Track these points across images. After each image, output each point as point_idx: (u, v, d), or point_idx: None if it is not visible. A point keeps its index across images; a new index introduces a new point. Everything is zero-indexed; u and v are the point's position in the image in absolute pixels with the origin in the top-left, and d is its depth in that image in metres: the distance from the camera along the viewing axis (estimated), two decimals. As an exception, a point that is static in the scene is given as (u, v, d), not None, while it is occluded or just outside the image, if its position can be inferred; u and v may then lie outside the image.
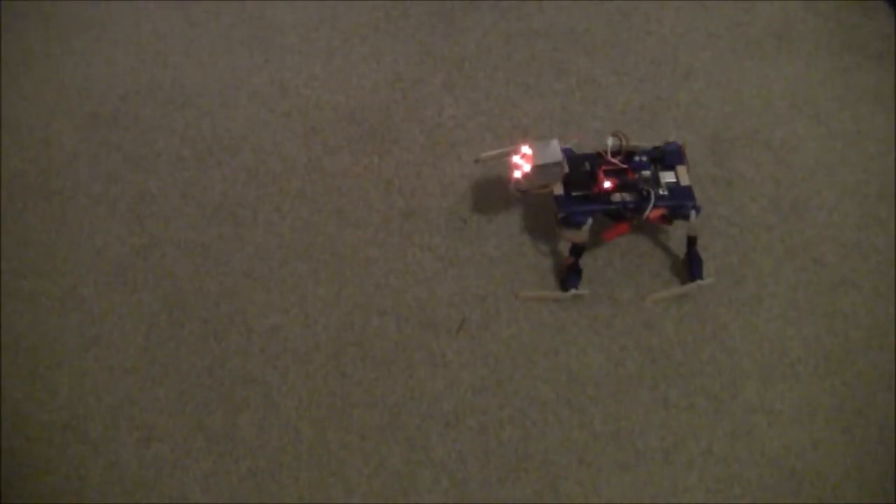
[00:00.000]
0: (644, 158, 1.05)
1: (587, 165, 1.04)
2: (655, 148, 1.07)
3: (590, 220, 1.03)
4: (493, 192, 1.14)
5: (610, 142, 1.04)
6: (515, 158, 1.04)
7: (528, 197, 1.11)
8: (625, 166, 1.03)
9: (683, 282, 1.07)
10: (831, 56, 1.26)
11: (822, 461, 0.98)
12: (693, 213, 1.03)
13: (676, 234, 1.10)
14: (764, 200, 1.14)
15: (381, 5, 1.31)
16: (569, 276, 1.06)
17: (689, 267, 1.06)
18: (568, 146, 1.06)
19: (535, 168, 1.02)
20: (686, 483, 0.96)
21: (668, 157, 1.06)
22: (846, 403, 1.01)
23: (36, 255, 1.10)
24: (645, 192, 1.02)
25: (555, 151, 1.02)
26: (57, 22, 1.30)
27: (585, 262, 1.07)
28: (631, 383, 1.02)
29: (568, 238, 1.05)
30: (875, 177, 1.16)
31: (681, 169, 1.06)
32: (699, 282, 1.05)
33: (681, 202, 1.04)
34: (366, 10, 1.30)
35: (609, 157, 1.04)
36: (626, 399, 1.01)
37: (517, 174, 1.04)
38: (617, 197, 1.03)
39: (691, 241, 1.06)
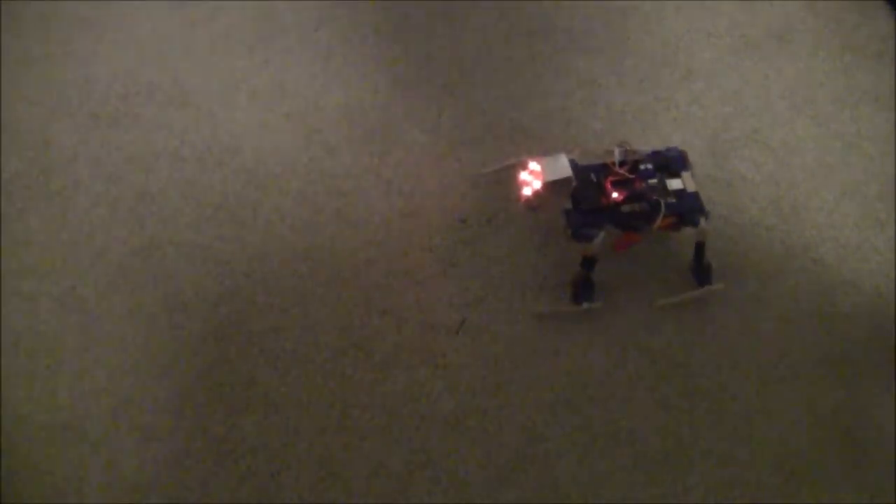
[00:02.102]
0: (650, 167, 1.04)
1: (593, 177, 1.04)
2: (656, 153, 1.06)
3: (602, 234, 1.02)
4: (493, 192, 1.14)
5: (617, 152, 1.03)
6: (523, 175, 1.03)
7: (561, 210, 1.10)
8: (632, 176, 1.03)
9: (688, 283, 1.07)
10: (831, 56, 1.26)
11: (822, 461, 0.98)
12: (703, 219, 1.03)
13: (674, 235, 1.10)
14: (764, 201, 1.14)
15: (381, 5, 1.31)
16: (582, 290, 1.05)
17: (698, 273, 1.06)
18: (571, 157, 1.06)
19: (546, 185, 1.01)
20: (686, 483, 0.96)
21: (672, 163, 1.06)
22: (846, 403, 1.01)
23: (36, 255, 1.10)
24: (654, 202, 1.02)
25: (564, 166, 1.02)
26: (57, 22, 1.30)
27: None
28: (631, 384, 1.02)
29: (581, 252, 1.05)
30: (875, 177, 1.16)
31: (686, 175, 1.05)
32: (709, 287, 1.05)
33: (690, 209, 1.03)
34: (366, 10, 1.30)
35: (616, 167, 1.03)
36: (627, 399, 1.01)
37: (527, 191, 1.03)
38: (627, 208, 1.02)
39: (699, 247, 1.05)
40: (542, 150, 1.11)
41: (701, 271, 1.06)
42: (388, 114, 1.21)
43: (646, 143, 1.11)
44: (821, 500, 0.96)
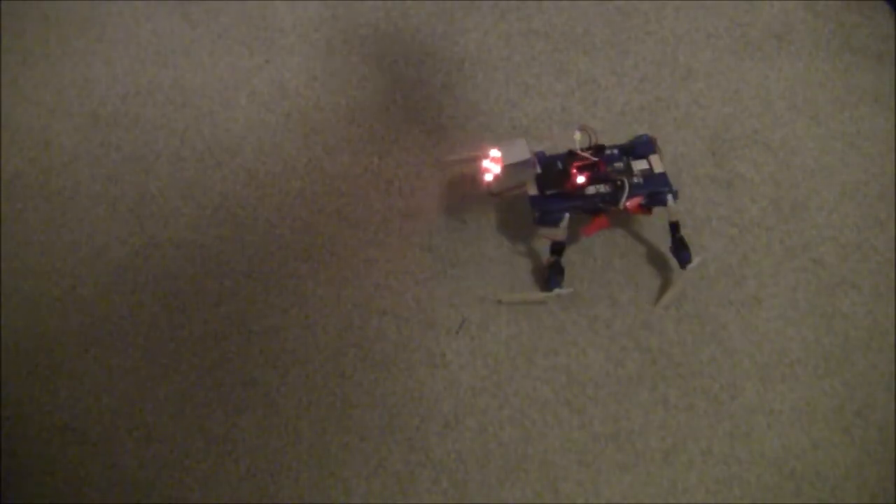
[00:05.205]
0: (615, 151, 1.06)
1: (559, 164, 1.05)
2: (629, 142, 1.07)
3: (567, 217, 1.03)
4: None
5: (578, 136, 1.04)
6: (485, 162, 1.04)
7: (526, 197, 1.10)
8: (595, 159, 1.03)
9: (678, 274, 1.07)
10: (831, 56, 1.26)
11: (822, 461, 0.98)
12: (670, 197, 1.03)
13: (669, 234, 1.10)
14: (764, 201, 1.14)
15: (381, 5, 1.31)
16: (551, 275, 1.05)
17: (676, 254, 1.06)
18: (541, 149, 1.07)
19: (505, 168, 1.02)
20: (686, 483, 0.96)
21: (639, 148, 1.06)
22: (846, 403, 1.01)
23: (36, 255, 1.10)
24: (619, 182, 1.02)
25: (522, 149, 1.02)
26: (57, 22, 1.30)
27: (584, 262, 1.07)
28: (630, 384, 1.02)
29: (546, 237, 1.05)
30: (875, 177, 1.16)
31: (653, 158, 1.06)
32: (689, 265, 1.05)
33: (656, 188, 1.03)
34: (366, 10, 1.30)
35: (579, 151, 1.03)
36: (626, 400, 1.01)
37: (488, 177, 1.04)
38: (591, 190, 1.03)
39: (674, 228, 1.05)
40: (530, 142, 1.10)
41: (678, 250, 1.05)
42: (388, 114, 1.21)
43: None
44: (821, 500, 0.96)
